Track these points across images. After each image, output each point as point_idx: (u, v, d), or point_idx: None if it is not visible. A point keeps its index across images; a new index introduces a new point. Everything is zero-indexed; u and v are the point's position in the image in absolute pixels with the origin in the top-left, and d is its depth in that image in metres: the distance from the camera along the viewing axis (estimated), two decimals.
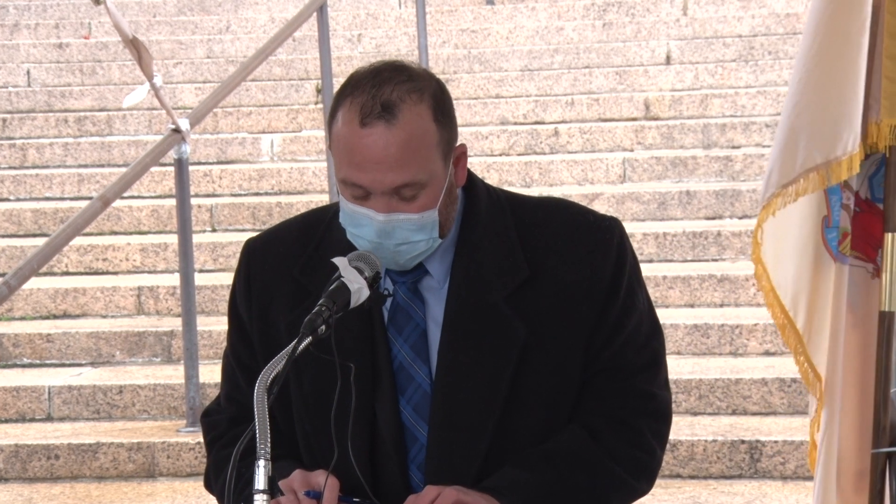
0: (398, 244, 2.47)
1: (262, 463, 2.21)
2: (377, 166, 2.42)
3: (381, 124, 2.42)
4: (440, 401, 2.53)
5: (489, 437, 2.54)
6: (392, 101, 2.42)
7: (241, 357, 2.63)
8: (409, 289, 2.57)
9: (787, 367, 5.94)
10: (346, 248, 2.50)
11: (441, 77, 9.16)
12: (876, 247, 3.33)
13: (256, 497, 2.21)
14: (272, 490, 2.23)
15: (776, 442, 5.54)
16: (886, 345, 3.29)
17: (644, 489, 2.64)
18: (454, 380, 2.53)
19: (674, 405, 6.13)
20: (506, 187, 8.67)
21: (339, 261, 2.41)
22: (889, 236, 3.27)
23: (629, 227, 7.28)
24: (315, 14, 7.73)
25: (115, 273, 7.62)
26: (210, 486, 2.67)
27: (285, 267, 2.59)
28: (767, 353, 6.29)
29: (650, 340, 2.64)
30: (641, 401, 2.64)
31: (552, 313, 2.55)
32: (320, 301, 2.36)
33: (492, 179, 8.01)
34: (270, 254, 2.65)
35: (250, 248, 2.68)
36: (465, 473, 2.51)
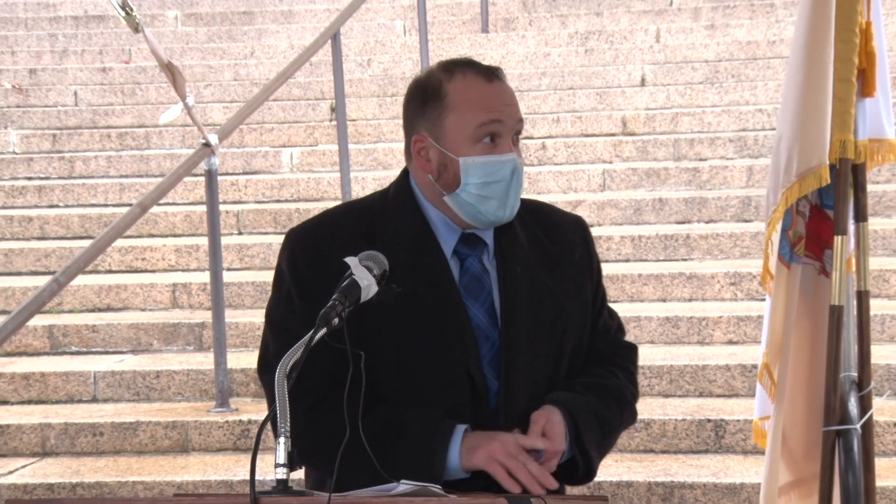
0: (517, 188, 2.67)
1: (282, 440, 2.24)
2: (509, 105, 2.66)
3: (502, 79, 2.70)
4: (510, 357, 2.67)
5: (545, 385, 2.73)
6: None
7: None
8: (479, 260, 2.71)
9: (748, 354, 5.98)
10: (404, 229, 2.68)
11: None
12: (823, 248, 3.35)
13: (277, 470, 2.24)
14: (291, 464, 2.24)
15: (738, 420, 5.54)
16: (836, 334, 3.30)
17: (636, 413, 2.96)
18: (518, 339, 2.67)
19: (647, 388, 6.22)
20: None
21: (351, 260, 2.48)
22: (838, 238, 3.28)
23: (609, 230, 7.40)
24: (329, 41, 7.75)
25: (153, 271, 7.65)
26: (316, 446, 2.58)
27: (354, 245, 2.59)
28: (731, 343, 6.31)
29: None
30: (627, 351, 2.96)
31: (572, 288, 2.78)
32: (334, 296, 2.42)
33: None
34: (327, 237, 2.69)
35: (300, 234, 2.75)
36: (526, 415, 2.68)
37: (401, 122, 2.78)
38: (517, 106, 2.69)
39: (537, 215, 2.81)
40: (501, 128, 2.62)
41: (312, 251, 2.68)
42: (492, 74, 2.67)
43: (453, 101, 2.62)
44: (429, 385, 2.64)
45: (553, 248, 2.78)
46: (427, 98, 2.64)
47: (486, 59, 9.84)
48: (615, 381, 2.83)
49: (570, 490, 2.83)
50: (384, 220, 2.69)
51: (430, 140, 2.63)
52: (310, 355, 2.33)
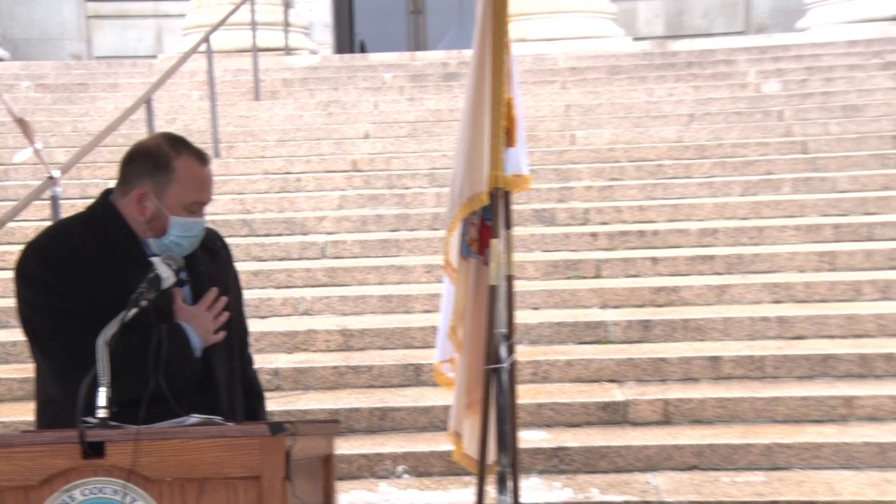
0: (201, 238, 2.61)
1: (103, 390, 2.23)
2: (210, 187, 2.61)
3: (208, 163, 2.61)
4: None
5: (233, 343, 2.70)
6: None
7: (75, 324, 2.45)
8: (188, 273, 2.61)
9: (437, 319, 6.08)
10: (130, 242, 2.57)
11: (225, 145, 8.98)
12: (485, 247, 3.46)
13: (99, 411, 2.22)
14: (109, 406, 2.23)
15: (430, 364, 5.62)
16: (493, 304, 3.42)
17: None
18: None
19: (370, 344, 6.18)
20: (267, 215, 8.52)
21: (155, 259, 2.46)
22: (494, 241, 3.40)
23: (344, 236, 7.44)
24: (144, 105, 7.53)
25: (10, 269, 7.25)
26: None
27: (87, 250, 2.50)
28: (427, 312, 6.38)
29: None
30: (252, 362, 2.90)
31: (233, 277, 2.77)
32: (142, 284, 2.38)
33: (258, 209, 7.96)
34: (66, 245, 2.52)
35: (43, 244, 2.55)
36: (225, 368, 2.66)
37: None
38: (213, 186, 2.64)
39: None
40: (204, 202, 2.58)
41: (58, 255, 2.50)
42: (204, 158, 2.60)
43: (178, 176, 2.52)
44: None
45: (220, 254, 2.73)
46: (157, 166, 2.53)
47: (258, 119, 9.90)
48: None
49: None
50: (106, 234, 2.55)
51: (153, 196, 2.53)
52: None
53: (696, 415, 5.32)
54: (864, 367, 5.58)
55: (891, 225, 7.08)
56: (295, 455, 2.20)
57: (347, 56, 12.06)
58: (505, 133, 3.32)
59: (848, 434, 5.04)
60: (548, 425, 5.31)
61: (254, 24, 10.66)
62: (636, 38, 12.89)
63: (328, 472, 2.56)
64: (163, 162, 2.53)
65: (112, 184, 2.66)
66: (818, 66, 10.30)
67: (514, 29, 12.68)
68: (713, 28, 14.36)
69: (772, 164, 8.17)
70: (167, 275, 2.43)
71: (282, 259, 7.31)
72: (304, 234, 7.60)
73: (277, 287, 6.87)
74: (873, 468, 4.87)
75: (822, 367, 5.60)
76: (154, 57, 13.03)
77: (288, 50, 12.05)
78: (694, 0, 14.71)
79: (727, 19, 14.54)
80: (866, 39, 10.94)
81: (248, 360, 2.82)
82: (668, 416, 5.32)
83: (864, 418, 5.23)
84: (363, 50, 15.31)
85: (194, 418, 2.30)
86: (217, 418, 2.35)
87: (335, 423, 2.66)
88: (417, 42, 14.88)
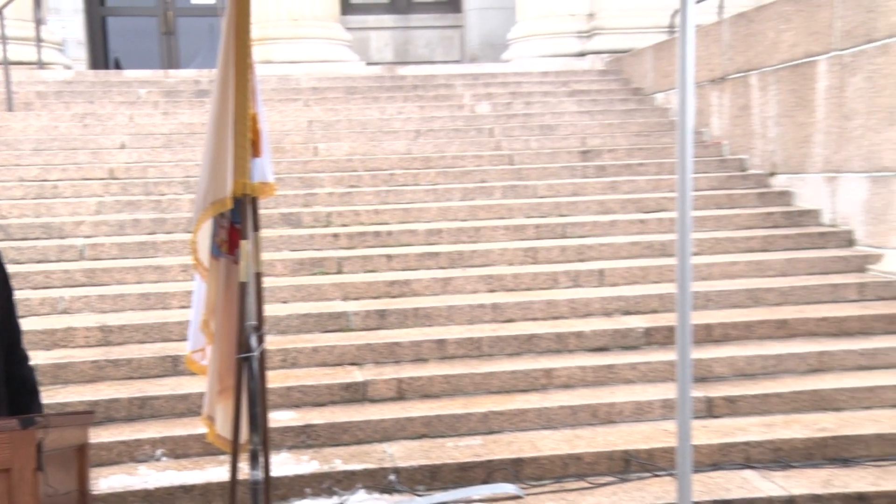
0: None
1: None
2: None
3: None
4: None
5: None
6: None
7: None
8: None
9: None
10: None
11: None
12: (235, 248, 3.38)
13: None
14: None
15: (183, 355, 5.45)
16: (243, 299, 3.34)
17: None
18: None
19: (130, 338, 5.87)
20: (23, 220, 7.96)
21: None
22: (244, 242, 3.32)
23: (102, 239, 7.05)
24: None
25: None
26: None
27: None
28: (182, 308, 6.17)
29: None
30: (27, 360, 2.66)
31: (4, 285, 2.53)
32: None
33: (14, 215, 7.38)
34: None
35: None
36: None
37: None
38: None
39: None
40: None
41: None
42: None
43: None
44: None
45: None
46: None
47: (12, 129, 9.18)
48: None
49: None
50: None
51: None
52: None
53: (425, 390, 5.44)
54: (560, 344, 5.90)
55: (580, 225, 7.54)
56: (48, 446, 2.06)
57: (102, 72, 11.39)
58: (251, 144, 3.25)
59: (548, 400, 5.32)
60: (296, 406, 5.27)
61: (3, 38, 9.86)
62: (369, 63, 13.03)
63: (83, 459, 2.42)
64: None
65: None
66: (520, 92, 10.81)
67: (260, 52, 12.43)
68: (434, 56, 14.76)
69: (485, 173, 8.49)
70: None
71: (39, 262, 6.83)
72: (62, 237, 7.13)
73: (35, 288, 6.41)
74: (567, 427, 5.17)
75: (528, 345, 5.88)
76: None
77: (41, 64, 11.25)
78: (417, 32, 15.05)
79: (445, 49, 14.98)
80: (556, 71, 11.61)
81: (20, 358, 2.60)
82: (401, 392, 5.41)
83: (560, 386, 5.54)
84: (118, 67, 14.53)
85: None
86: None
87: (90, 414, 2.51)
88: (171, 61, 14.31)
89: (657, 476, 4.64)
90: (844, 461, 4.79)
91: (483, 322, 6.16)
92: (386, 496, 4.54)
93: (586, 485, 4.61)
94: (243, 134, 3.19)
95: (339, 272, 6.84)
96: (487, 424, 5.14)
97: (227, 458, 3.89)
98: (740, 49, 8.75)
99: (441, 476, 4.67)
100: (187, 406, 5.15)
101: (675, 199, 4.49)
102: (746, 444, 4.83)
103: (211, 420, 3.49)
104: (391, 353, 5.73)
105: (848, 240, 7.27)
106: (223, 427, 3.47)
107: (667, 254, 7.03)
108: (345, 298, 6.42)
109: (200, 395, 5.00)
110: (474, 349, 5.81)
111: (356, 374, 5.50)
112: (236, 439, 3.34)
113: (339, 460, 4.76)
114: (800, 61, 7.80)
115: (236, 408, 3.29)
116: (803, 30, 7.73)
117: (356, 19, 14.37)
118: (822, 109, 7.53)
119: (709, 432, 4.96)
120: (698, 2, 9.91)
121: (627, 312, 6.27)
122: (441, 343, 5.79)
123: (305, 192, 7.97)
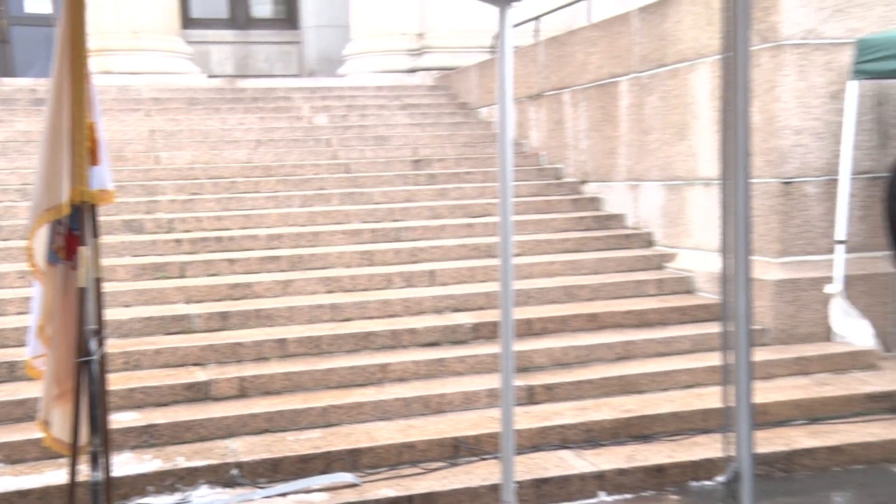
0: None
1: None
2: None
3: None
4: None
5: None
6: None
7: None
8: None
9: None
10: None
11: None
12: (73, 254, 3.23)
13: None
14: None
15: (25, 361, 5.12)
16: (82, 303, 3.19)
17: None
18: None
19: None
20: None
21: None
22: (83, 248, 3.18)
23: None
24: None
25: None
26: None
27: None
28: (20, 313, 5.80)
29: None
30: None
31: None
32: None
33: None
34: None
35: None
36: None
37: None
38: None
39: None
40: None
41: None
42: None
43: None
44: None
45: None
46: None
47: None
48: None
49: None
50: None
51: None
52: None
53: (266, 388, 5.34)
54: (395, 340, 5.94)
55: (412, 229, 7.61)
56: None
57: None
58: (89, 153, 3.10)
59: (383, 393, 5.34)
60: (139, 406, 5.06)
61: None
62: (210, 76, 12.67)
63: None
64: None
65: None
66: (356, 105, 10.79)
67: (99, 62, 11.86)
68: (273, 70, 14.51)
69: (323, 181, 8.43)
70: None
71: None
72: None
73: None
74: (401, 417, 5.20)
75: (365, 342, 5.88)
76: None
77: None
78: (257, 47, 14.76)
79: (285, 64, 14.76)
80: (389, 86, 11.67)
81: None
82: (244, 390, 5.29)
83: (395, 380, 5.57)
84: None
85: None
86: None
87: None
88: (6, 70, 13.43)
89: (484, 459, 4.75)
90: (646, 438, 5.05)
91: (322, 321, 6.12)
92: (228, 490, 4.43)
93: (419, 471, 4.65)
94: (80, 142, 3.05)
95: (182, 276, 6.61)
96: (326, 418, 5.10)
97: (66, 461, 3.68)
98: (554, 69, 9.08)
99: (282, 469, 4.60)
100: (24, 411, 4.85)
101: (498, 205, 4.61)
102: (563, 426, 5.01)
103: (47, 424, 3.30)
104: (234, 353, 5.59)
105: (648, 241, 7.67)
106: (61, 430, 3.29)
107: (492, 255, 7.19)
108: (188, 301, 6.22)
109: (38, 399, 4.72)
110: (314, 347, 5.75)
111: (199, 374, 5.33)
112: (76, 442, 3.18)
113: (181, 458, 4.60)
114: (605, 81, 8.16)
115: (75, 411, 3.13)
116: (607, 53, 8.10)
117: (196, 33, 13.94)
118: (625, 124, 7.92)
119: (530, 417, 5.11)
120: (516, 25, 10.21)
121: (457, 310, 6.37)
122: (282, 342, 5.70)
123: (147, 200, 7.66)
